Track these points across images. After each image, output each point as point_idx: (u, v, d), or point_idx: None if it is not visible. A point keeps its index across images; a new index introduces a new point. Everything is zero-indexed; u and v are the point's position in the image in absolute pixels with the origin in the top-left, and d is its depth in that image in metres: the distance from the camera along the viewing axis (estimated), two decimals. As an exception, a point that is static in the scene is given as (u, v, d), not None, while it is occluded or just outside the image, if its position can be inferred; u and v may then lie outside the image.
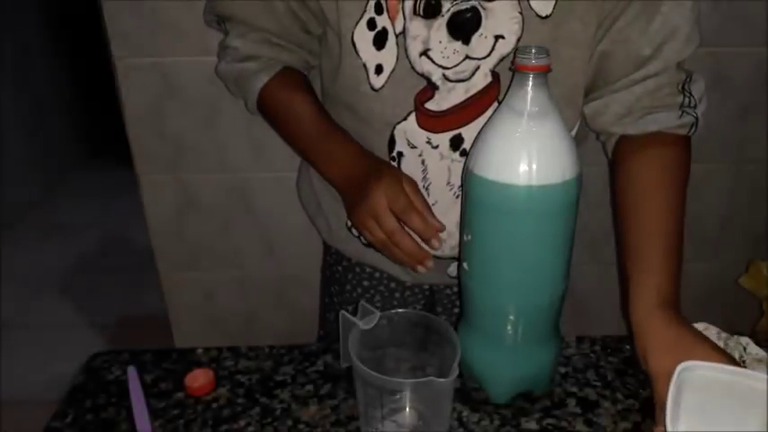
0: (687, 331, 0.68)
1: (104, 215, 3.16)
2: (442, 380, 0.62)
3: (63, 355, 2.19)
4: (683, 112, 0.78)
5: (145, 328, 2.30)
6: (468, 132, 0.79)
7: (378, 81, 0.78)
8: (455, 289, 0.98)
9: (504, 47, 0.74)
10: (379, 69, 0.78)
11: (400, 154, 0.83)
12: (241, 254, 1.41)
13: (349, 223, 0.93)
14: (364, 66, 0.78)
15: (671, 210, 0.75)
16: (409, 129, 0.80)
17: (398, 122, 0.80)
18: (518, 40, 0.74)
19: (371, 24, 0.76)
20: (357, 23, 0.76)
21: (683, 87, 0.78)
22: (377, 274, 0.99)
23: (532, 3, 0.73)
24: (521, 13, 0.73)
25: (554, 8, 0.73)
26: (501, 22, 0.73)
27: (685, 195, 0.78)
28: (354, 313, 0.70)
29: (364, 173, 0.77)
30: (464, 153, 0.80)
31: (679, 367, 0.68)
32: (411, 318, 0.72)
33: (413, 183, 0.76)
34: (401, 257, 0.76)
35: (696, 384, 0.68)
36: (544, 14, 0.73)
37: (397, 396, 0.67)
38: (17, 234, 3.04)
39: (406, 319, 0.72)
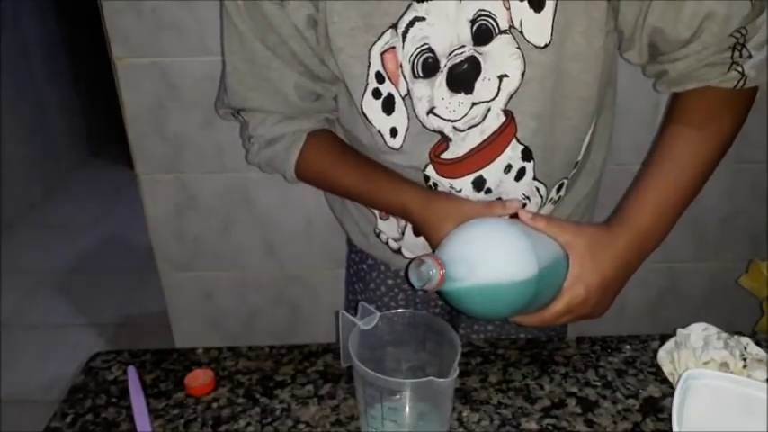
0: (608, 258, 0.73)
1: (104, 215, 3.16)
2: (441, 380, 0.62)
3: (63, 355, 2.19)
4: (730, 67, 0.75)
5: (145, 328, 2.31)
6: (489, 173, 0.80)
7: (395, 142, 0.80)
8: None
9: (511, 84, 0.74)
10: (393, 132, 0.79)
11: (435, 185, 0.83)
12: (241, 254, 1.42)
13: (377, 230, 0.94)
14: (379, 132, 0.79)
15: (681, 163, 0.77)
16: (432, 175, 0.81)
17: (423, 170, 0.81)
18: (522, 74, 0.73)
19: (377, 93, 0.77)
20: (363, 96, 0.77)
21: (732, 46, 0.74)
22: (401, 273, 1.00)
23: (528, 36, 0.72)
24: (519, 48, 0.72)
25: (551, 36, 0.72)
26: (501, 62, 0.73)
27: (711, 155, 0.78)
28: (356, 313, 0.70)
29: (429, 223, 0.78)
30: (488, 192, 0.81)
31: (685, 374, 0.69)
32: (411, 318, 0.72)
33: (475, 206, 0.77)
34: None
35: (700, 391, 0.69)
36: (543, 44, 0.72)
37: (397, 396, 0.67)
38: (17, 234, 3.04)
39: (406, 319, 0.72)
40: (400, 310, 0.72)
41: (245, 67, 0.82)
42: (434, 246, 0.78)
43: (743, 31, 0.72)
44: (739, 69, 0.74)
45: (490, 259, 0.62)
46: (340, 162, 0.88)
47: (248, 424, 0.72)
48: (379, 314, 0.70)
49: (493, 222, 0.69)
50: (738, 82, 0.75)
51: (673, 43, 0.74)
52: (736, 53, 0.74)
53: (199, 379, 0.77)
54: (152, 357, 0.83)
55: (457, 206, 0.77)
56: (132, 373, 0.78)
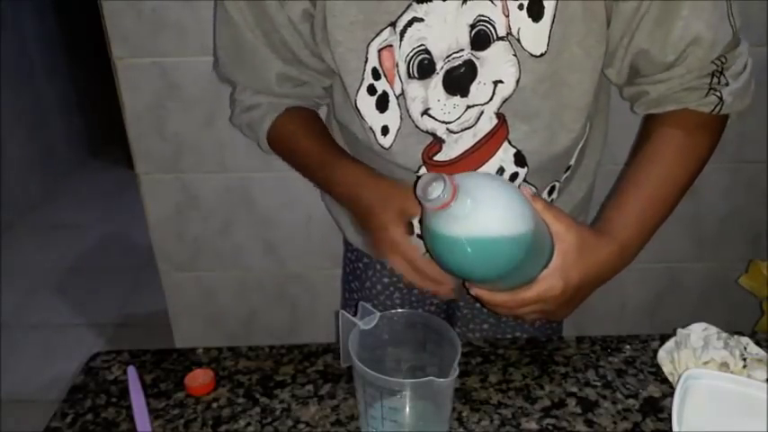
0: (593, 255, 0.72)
1: (104, 215, 3.16)
2: (441, 380, 0.62)
3: (63, 355, 2.19)
4: (708, 92, 0.76)
5: (145, 328, 2.31)
6: None
7: (386, 141, 0.80)
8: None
9: (505, 90, 0.74)
10: (385, 130, 0.79)
11: None
12: (241, 253, 1.42)
13: None
14: (371, 128, 0.80)
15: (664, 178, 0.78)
16: None
17: (415, 172, 0.81)
18: (517, 81, 0.74)
19: (371, 90, 0.77)
20: (358, 91, 0.78)
21: (712, 73, 0.76)
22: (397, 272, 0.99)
23: (524, 43, 0.72)
24: (515, 55, 0.73)
25: (548, 45, 0.72)
26: (497, 68, 0.73)
27: (687, 174, 0.79)
28: (355, 312, 0.70)
29: (370, 205, 0.78)
30: None
31: (685, 374, 0.69)
32: (410, 318, 0.72)
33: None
34: (422, 284, 0.77)
35: (700, 391, 0.69)
36: (538, 53, 0.72)
37: (397, 396, 0.67)
38: (17, 234, 3.04)
39: (406, 318, 0.72)
40: (400, 310, 0.72)
41: (232, 49, 0.85)
42: (369, 226, 0.78)
43: (723, 60, 0.75)
44: (718, 95, 0.76)
45: (494, 206, 0.62)
46: (307, 131, 0.89)
47: (248, 424, 0.72)
48: (378, 314, 0.70)
49: (504, 180, 0.68)
50: (716, 107, 0.77)
51: (657, 66, 0.76)
52: (715, 80, 0.76)
53: (199, 379, 0.77)
54: (152, 357, 0.83)
55: (408, 200, 0.75)
56: (132, 373, 0.78)
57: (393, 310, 0.72)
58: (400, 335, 0.72)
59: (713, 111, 0.77)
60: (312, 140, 0.88)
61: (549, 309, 0.72)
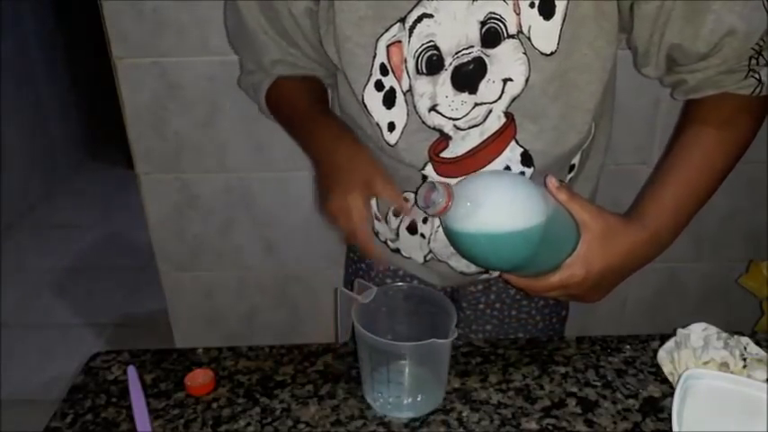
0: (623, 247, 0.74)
1: (104, 215, 3.16)
2: (443, 340, 0.67)
3: (63, 355, 2.19)
4: (747, 74, 0.75)
5: (145, 328, 2.31)
6: None
7: (392, 138, 0.80)
8: (479, 287, 0.99)
9: (514, 88, 0.74)
10: (391, 127, 0.79)
11: None
12: (241, 253, 1.42)
13: (375, 230, 0.94)
14: (377, 124, 0.80)
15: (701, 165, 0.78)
16: (431, 174, 0.81)
17: (420, 169, 0.81)
18: (526, 79, 0.74)
19: (379, 86, 0.77)
20: (365, 87, 0.78)
21: (749, 57, 0.74)
22: (400, 272, 0.99)
23: (535, 42, 0.72)
24: (525, 54, 0.73)
25: (558, 44, 0.72)
26: (507, 66, 0.73)
27: (726, 159, 0.79)
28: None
29: (340, 165, 0.78)
30: None
31: (685, 374, 0.69)
32: (406, 291, 0.77)
33: (387, 183, 0.75)
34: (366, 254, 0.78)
35: (700, 391, 0.69)
36: (549, 51, 0.72)
37: (401, 361, 0.72)
38: (17, 234, 3.04)
39: (402, 292, 0.76)
40: (397, 284, 0.77)
41: (236, 28, 0.89)
42: (331, 184, 0.77)
43: (761, 43, 0.73)
44: (756, 77, 0.75)
45: (495, 206, 0.65)
46: (303, 90, 0.90)
47: (248, 424, 0.73)
48: (376, 288, 0.73)
49: (513, 177, 0.71)
50: (755, 89, 0.75)
51: (691, 56, 0.75)
52: (753, 61, 0.74)
53: (199, 379, 0.77)
54: (152, 357, 0.83)
55: (376, 175, 0.76)
56: (132, 373, 0.78)
57: (389, 285, 0.77)
58: (397, 309, 0.76)
59: (753, 93, 0.76)
60: (305, 97, 0.89)
61: (575, 293, 0.75)
